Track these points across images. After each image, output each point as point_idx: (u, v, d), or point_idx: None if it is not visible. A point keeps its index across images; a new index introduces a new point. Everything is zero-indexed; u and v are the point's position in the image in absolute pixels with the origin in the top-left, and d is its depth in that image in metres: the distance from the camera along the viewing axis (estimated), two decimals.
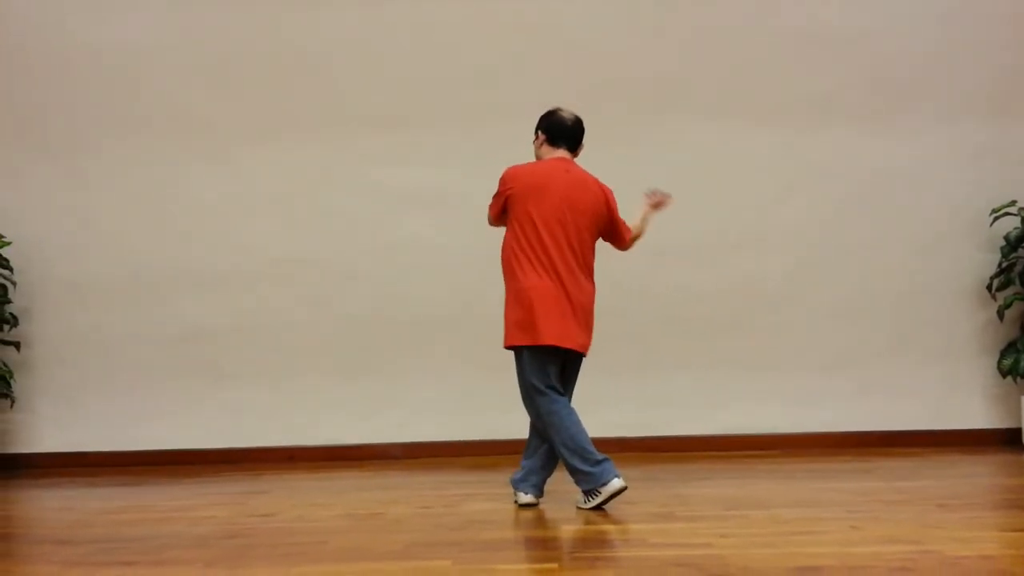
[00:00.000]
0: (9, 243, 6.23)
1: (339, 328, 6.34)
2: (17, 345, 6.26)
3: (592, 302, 4.43)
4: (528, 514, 4.28)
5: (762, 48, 6.32)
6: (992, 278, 6.18)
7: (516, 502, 4.48)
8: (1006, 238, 6.16)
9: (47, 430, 6.36)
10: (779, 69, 6.32)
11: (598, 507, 4.27)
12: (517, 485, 4.50)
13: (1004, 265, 6.16)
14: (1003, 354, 6.13)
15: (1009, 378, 6.15)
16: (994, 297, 6.21)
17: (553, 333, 4.25)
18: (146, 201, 6.40)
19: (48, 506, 5.17)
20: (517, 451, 6.16)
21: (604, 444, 6.17)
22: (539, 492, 4.49)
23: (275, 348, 6.35)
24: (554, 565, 3.33)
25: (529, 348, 4.31)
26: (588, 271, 4.42)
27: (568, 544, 3.63)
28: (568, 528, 3.94)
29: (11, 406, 6.29)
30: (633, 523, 4.00)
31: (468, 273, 6.18)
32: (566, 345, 4.28)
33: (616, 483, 4.24)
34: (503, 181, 4.45)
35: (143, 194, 6.40)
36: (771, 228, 6.34)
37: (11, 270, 6.24)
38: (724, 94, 6.33)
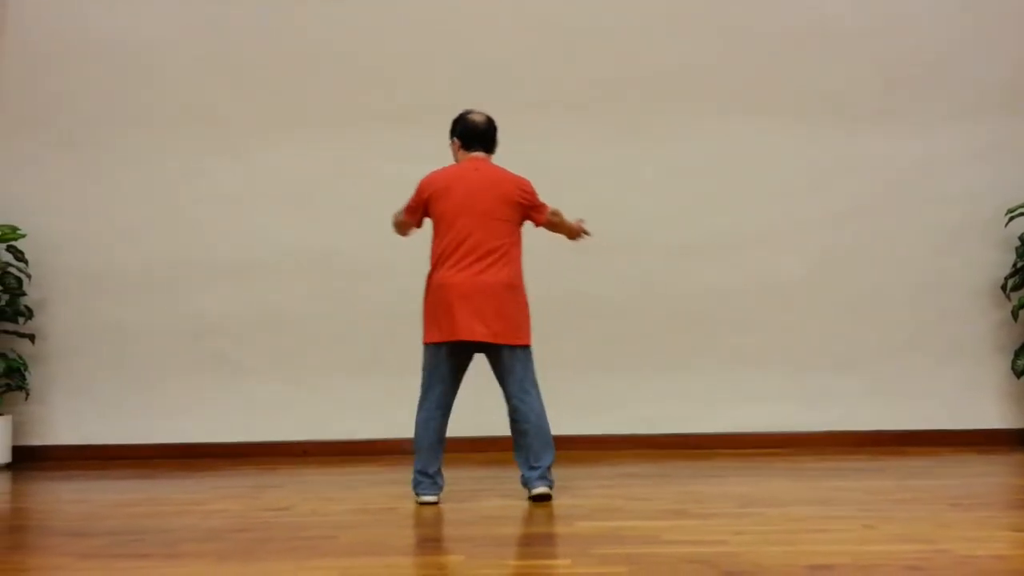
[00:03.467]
0: (24, 235, 6.26)
1: (354, 323, 6.35)
2: (32, 337, 6.29)
3: (507, 290, 4.42)
4: (541, 510, 4.28)
5: (777, 44, 6.30)
6: (1007, 278, 6.15)
7: (529, 497, 4.48)
8: (1021, 238, 6.13)
9: (61, 422, 6.39)
10: (794, 65, 6.30)
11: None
12: (532, 483, 4.49)
13: (1019, 265, 6.12)
14: (1017, 354, 6.10)
15: (1023, 378, 6.12)
16: (1008, 297, 6.18)
17: (445, 330, 4.39)
18: (161, 194, 6.42)
19: (62, 498, 5.19)
20: None
21: (617, 441, 6.23)
22: (548, 483, 4.45)
23: (289, 342, 6.36)
24: (567, 561, 3.33)
25: (425, 345, 4.49)
26: (503, 260, 4.43)
27: (581, 540, 3.63)
28: (581, 524, 3.94)
29: (26, 398, 6.32)
30: (646, 519, 4.00)
31: None
32: (458, 337, 4.36)
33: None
34: (416, 190, 4.60)
35: (158, 187, 6.42)
36: (785, 226, 6.32)
37: (26, 262, 6.26)
38: (739, 90, 6.32)
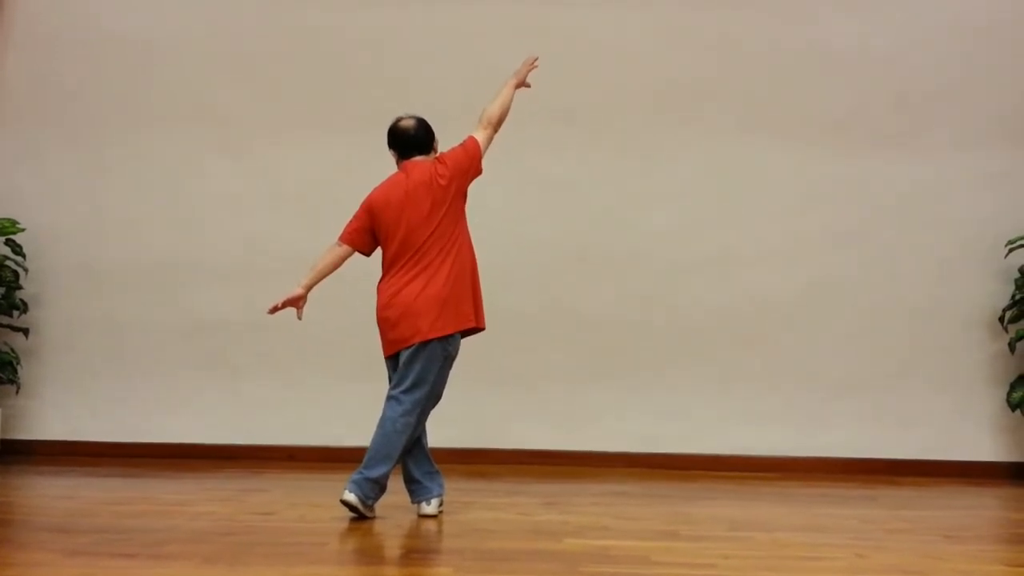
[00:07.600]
0: (23, 229, 6.23)
1: (346, 329, 6.28)
2: (26, 332, 6.26)
3: (440, 292, 4.33)
4: (530, 525, 4.25)
5: (782, 66, 6.30)
6: (1005, 310, 6.13)
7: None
8: (1021, 270, 6.12)
9: (52, 417, 6.35)
10: (798, 87, 6.30)
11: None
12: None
13: (1018, 297, 6.11)
14: (1013, 387, 6.08)
15: (1018, 411, 6.10)
16: (1006, 329, 6.16)
17: (384, 346, 4.53)
18: (161, 191, 6.40)
19: (50, 494, 5.16)
20: (518, 461, 6.19)
21: (608, 458, 6.20)
22: (360, 493, 4.31)
23: (282, 345, 6.32)
24: None
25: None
26: (437, 262, 4.35)
27: (569, 557, 3.61)
28: (570, 541, 3.92)
29: (16, 392, 6.28)
30: (636, 540, 3.98)
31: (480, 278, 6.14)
32: (389, 353, 4.51)
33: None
34: (356, 216, 4.58)
35: (159, 184, 6.40)
36: (784, 247, 6.31)
37: (23, 256, 6.24)
38: (742, 110, 6.31)
